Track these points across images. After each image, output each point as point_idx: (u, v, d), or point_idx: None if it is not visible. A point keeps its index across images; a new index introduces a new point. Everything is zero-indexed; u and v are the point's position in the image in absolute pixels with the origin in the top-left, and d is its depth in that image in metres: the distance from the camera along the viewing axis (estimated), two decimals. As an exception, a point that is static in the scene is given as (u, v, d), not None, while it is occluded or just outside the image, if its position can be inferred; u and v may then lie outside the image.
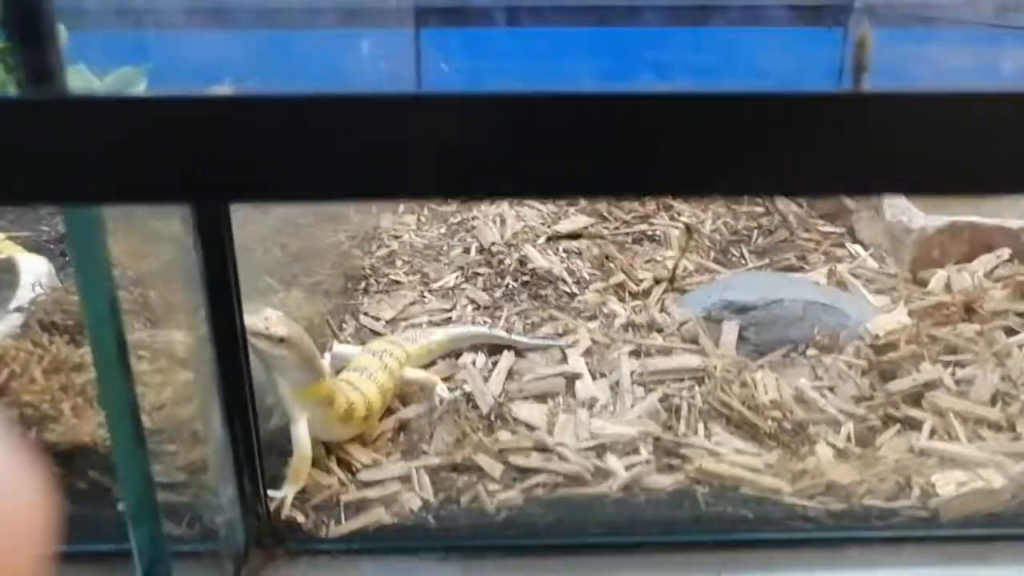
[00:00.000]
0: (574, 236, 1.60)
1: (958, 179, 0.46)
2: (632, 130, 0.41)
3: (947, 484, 0.94)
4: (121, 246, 0.83)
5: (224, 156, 0.46)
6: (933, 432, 1.05)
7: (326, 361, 1.16)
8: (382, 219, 1.83)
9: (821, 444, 1.03)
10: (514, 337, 1.25)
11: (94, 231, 0.58)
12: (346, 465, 1.00)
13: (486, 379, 1.15)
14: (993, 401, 1.09)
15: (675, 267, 1.44)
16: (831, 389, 1.15)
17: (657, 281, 1.43)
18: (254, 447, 0.85)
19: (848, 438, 1.05)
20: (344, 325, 1.38)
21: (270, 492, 0.93)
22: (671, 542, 0.91)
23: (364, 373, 1.07)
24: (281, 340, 0.92)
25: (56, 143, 0.37)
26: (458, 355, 1.23)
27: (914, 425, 1.06)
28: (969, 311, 1.29)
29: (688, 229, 1.49)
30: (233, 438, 0.83)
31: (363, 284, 1.53)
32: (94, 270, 0.59)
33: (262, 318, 0.92)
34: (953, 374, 1.14)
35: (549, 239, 1.60)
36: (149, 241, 0.82)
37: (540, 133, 0.40)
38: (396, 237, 1.74)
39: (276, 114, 0.40)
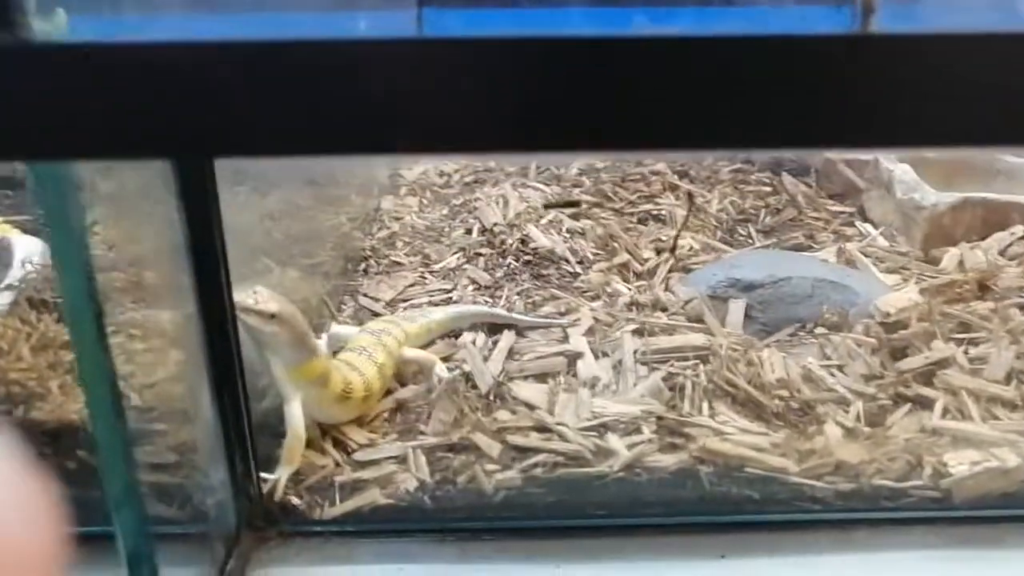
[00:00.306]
0: (572, 204, 1.59)
1: (974, 127, 0.43)
2: (630, 77, 0.38)
3: (960, 463, 0.92)
4: (107, 224, 0.81)
5: (202, 106, 0.43)
6: (945, 411, 1.02)
7: (323, 342, 1.14)
8: (383, 201, 1.81)
9: (829, 423, 1.00)
10: (515, 315, 1.22)
11: (68, 202, 0.56)
12: (341, 446, 0.98)
13: (486, 358, 1.13)
14: (1008, 379, 1.06)
15: (677, 235, 1.41)
16: (840, 368, 1.12)
17: (658, 252, 1.40)
18: (245, 427, 0.83)
19: (857, 417, 1.02)
20: (343, 306, 1.36)
21: (264, 475, 0.91)
22: (674, 523, 0.89)
23: (363, 353, 1.04)
24: (272, 316, 0.90)
25: (20, 93, 0.34)
26: (458, 335, 1.20)
27: (926, 404, 1.03)
28: (983, 289, 1.26)
29: (690, 197, 1.46)
30: (223, 418, 0.81)
31: (363, 265, 1.51)
32: (69, 243, 0.57)
33: (251, 293, 0.90)
34: (966, 352, 1.11)
35: (545, 206, 1.58)
36: (135, 218, 0.79)
37: (545, 80, 0.37)
38: (397, 219, 1.72)
39: (263, 59, 0.37)
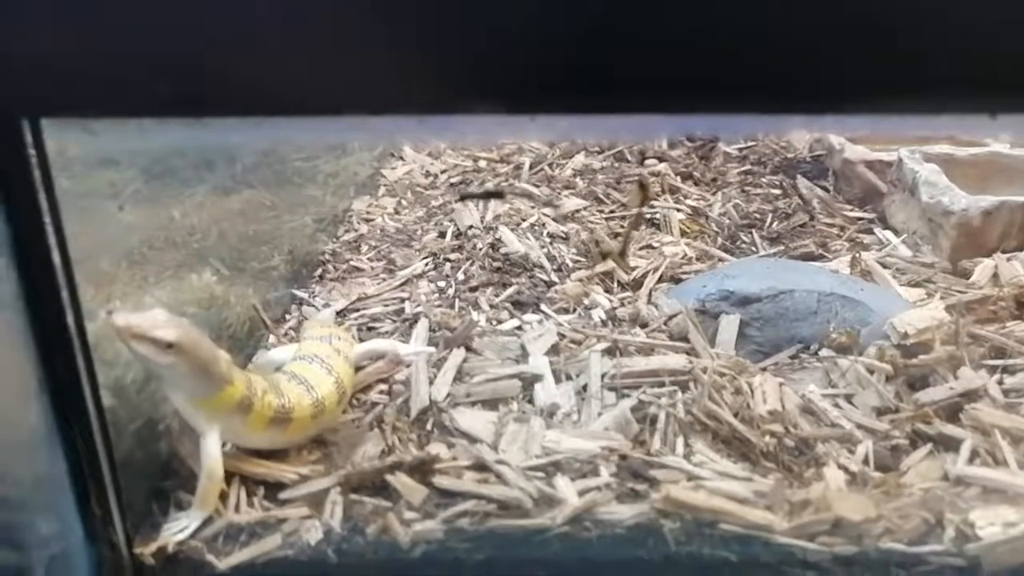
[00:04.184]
0: (494, 195, 1.44)
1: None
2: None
3: (991, 524, 0.74)
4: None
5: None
6: (974, 455, 0.84)
7: (257, 362, 1.01)
8: (356, 201, 1.66)
9: (831, 467, 0.83)
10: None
11: None
12: (258, 482, 0.83)
13: (431, 380, 0.97)
14: (1051, 417, 0.88)
15: (628, 233, 1.24)
16: (848, 399, 0.95)
17: (604, 256, 1.24)
18: (101, 462, 0.68)
19: (865, 460, 0.84)
20: (287, 315, 1.21)
21: (174, 516, 0.77)
22: (630, 591, 0.72)
23: (314, 362, 0.90)
24: (169, 346, 0.75)
25: None
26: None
27: (950, 446, 0.86)
28: (1021, 306, 1.08)
29: (642, 187, 1.30)
30: (71, 452, 0.66)
31: (319, 271, 1.36)
32: None
33: (147, 317, 0.75)
34: (1001, 382, 0.93)
35: (462, 198, 1.43)
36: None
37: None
38: (367, 220, 1.57)
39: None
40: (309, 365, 0.89)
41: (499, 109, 0.53)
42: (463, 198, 1.38)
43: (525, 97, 0.54)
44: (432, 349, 1.02)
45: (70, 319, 0.64)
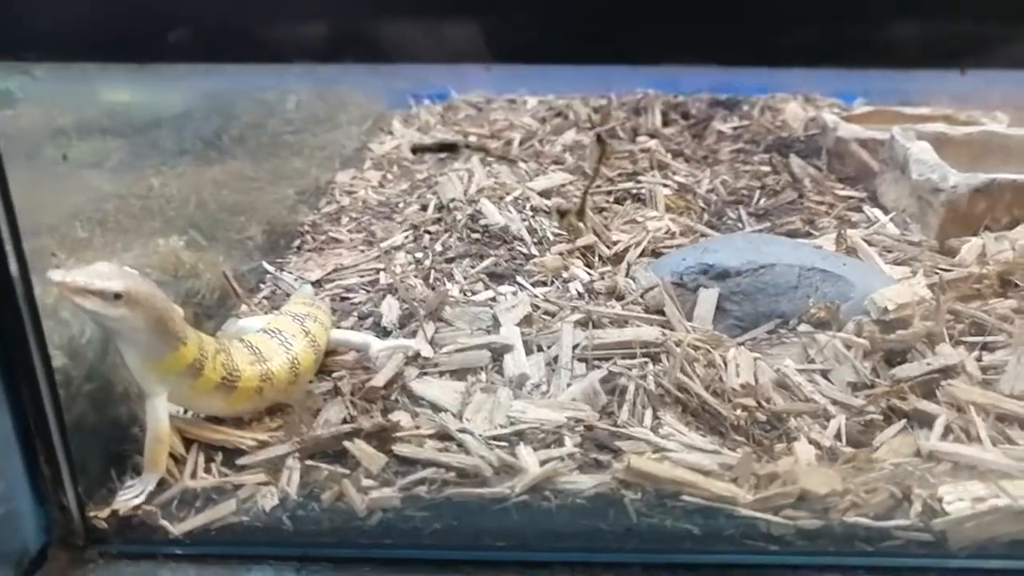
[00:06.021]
0: (447, 148, 1.41)
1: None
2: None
3: (959, 499, 0.72)
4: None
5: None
6: (947, 431, 0.82)
7: (226, 330, 0.99)
8: (339, 174, 1.64)
9: (802, 442, 0.81)
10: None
11: None
12: (216, 448, 0.81)
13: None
14: (1028, 394, 0.86)
15: (586, 190, 1.22)
16: (824, 374, 0.93)
17: (562, 215, 1.22)
18: (51, 425, 0.67)
19: (837, 435, 0.83)
20: (261, 285, 1.19)
21: (130, 482, 0.76)
22: (590, 562, 0.71)
23: (276, 338, 0.87)
24: (117, 296, 0.71)
25: None
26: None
27: (924, 421, 0.84)
28: (1005, 284, 1.06)
29: (600, 139, 1.28)
30: (18, 414, 0.65)
31: (298, 241, 1.35)
32: None
33: (89, 271, 0.71)
34: (979, 359, 0.91)
35: (413, 151, 1.40)
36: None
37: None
38: (349, 193, 1.56)
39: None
40: (269, 339, 0.87)
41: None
42: (416, 151, 1.36)
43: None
44: (411, 343, 0.95)
45: (15, 275, 0.62)
